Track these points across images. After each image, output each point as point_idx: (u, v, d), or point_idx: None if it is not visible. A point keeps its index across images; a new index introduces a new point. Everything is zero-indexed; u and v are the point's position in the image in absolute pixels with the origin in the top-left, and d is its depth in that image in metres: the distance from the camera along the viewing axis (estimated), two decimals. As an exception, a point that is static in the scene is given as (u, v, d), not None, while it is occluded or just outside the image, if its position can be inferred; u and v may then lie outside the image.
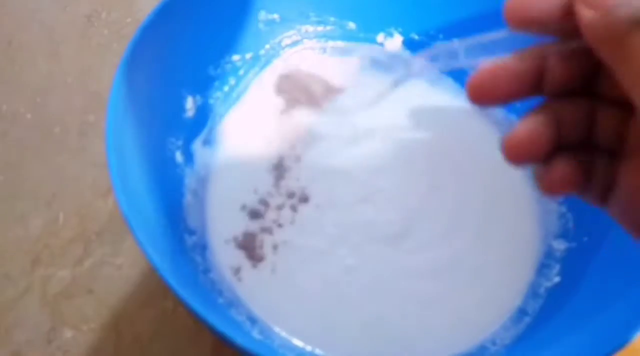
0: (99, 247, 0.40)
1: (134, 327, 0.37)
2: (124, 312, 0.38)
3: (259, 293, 0.35)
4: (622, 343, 0.28)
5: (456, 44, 0.27)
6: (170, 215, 0.34)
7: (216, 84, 0.40)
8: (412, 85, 0.45)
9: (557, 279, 0.36)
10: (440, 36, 0.44)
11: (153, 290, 0.38)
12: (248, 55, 0.42)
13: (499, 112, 0.43)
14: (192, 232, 0.35)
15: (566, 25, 0.20)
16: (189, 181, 0.37)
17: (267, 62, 0.43)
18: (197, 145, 0.39)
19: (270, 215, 0.38)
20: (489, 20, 0.41)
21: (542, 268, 0.37)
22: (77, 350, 0.36)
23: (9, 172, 0.43)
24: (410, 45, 0.45)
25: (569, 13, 0.19)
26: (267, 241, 0.37)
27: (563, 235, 0.38)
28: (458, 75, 0.45)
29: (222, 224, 0.37)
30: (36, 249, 0.40)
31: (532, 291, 0.36)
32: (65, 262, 0.39)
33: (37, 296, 0.38)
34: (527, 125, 0.22)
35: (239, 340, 0.25)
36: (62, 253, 0.40)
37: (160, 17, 0.34)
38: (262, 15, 0.41)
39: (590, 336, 0.30)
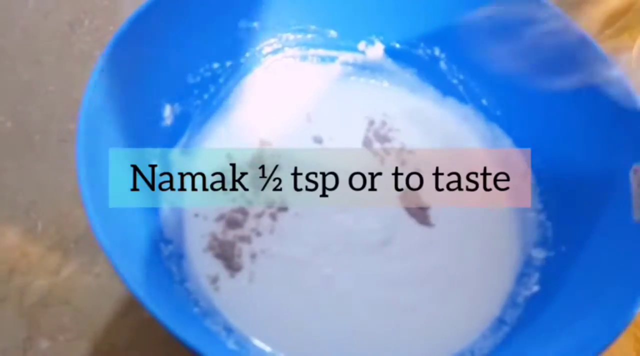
0: (77, 255, 0.40)
1: (111, 337, 0.37)
2: (101, 322, 0.37)
3: (236, 303, 0.35)
4: (598, 350, 0.28)
5: None
6: (147, 225, 0.34)
7: (195, 92, 0.40)
8: (391, 91, 0.45)
9: (536, 288, 0.36)
10: (422, 44, 0.44)
11: (131, 299, 0.38)
12: (228, 63, 0.42)
13: (479, 120, 0.44)
14: (168, 242, 0.35)
15: None
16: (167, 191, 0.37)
17: (248, 70, 0.43)
18: (175, 154, 0.38)
19: (250, 223, 0.38)
20: (469, 28, 0.42)
21: (521, 277, 0.37)
22: (53, 360, 0.36)
23: (-13, 180, 0.43)
24: (392, 53, 0.45)
25: None
26: (245, 250, 0.37)
27: (542, 244, 0.38)
28: (439, 83, 0.45)
29: (200, 233, 0.37)
30: (13, 257, 0.39)
31: (511, 301, 0.36)
32: (42, 271, 0.39)
33: (13, 305, 0.38)
34: None
35: (209, 351, 0.25)
36: (40, 262, 0.39)
37: (137, 25, 0.34)
38: (242, 23, 0.41)
39: (568, 345, 0.30)
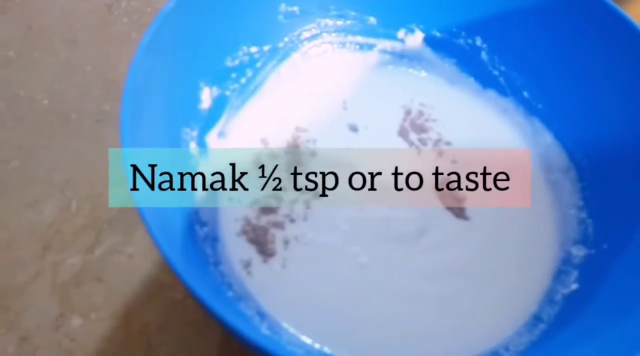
0: (110, 235, 0.40)
1: (143, 317, 0.37)
2: (133, 302, 0.37)
3: (269, 289, 0.34)
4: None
5: None
6: (183, 207, 0.34)
7: (233, 75, 0.40)
8: (429, 81, 0.44)
9: (574, 286, 0.35)
10: (463, 34, 0.43)
11: (163, 281, 0.38)
12: (266, 48, 0.41)
13: (519, 113, 0.43)
14: (203, 224, 0.35)
15: None
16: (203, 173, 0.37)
17: (286, 56, 0.43)
18: (212, 137, 0.38)
19: (283, 210, 0.37)
20: (514, 18, 0.41)
21: (559, 275, 0.36)
22: (85, 339, 0.36)
23: (24, 157, 0.43)
24: (432, 42, 0.44)
25: None
26: (278, 236, 0.36)
27: (582, 241, 0.37)
28: (479, 74, 0.44)
29: (234, 218, 0.37)
30: (48, 235, 0.40)
31: (549, 298, 0.35)
32: (76, 250, 0.39)
33: (47, 282, 0.38)
34: None
35: (247, 334, 0.24)
36: (74, 241, 0.40)
37: (179, 6, 0.33)
38: (283, 7, 0.41)
39: (607, 347, 0.30)
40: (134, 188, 0.27)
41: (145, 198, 0.27)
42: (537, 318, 0.35)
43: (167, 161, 0.33)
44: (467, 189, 0.39)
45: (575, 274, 0.36)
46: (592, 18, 0.38)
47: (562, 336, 0.33)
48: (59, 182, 0.42)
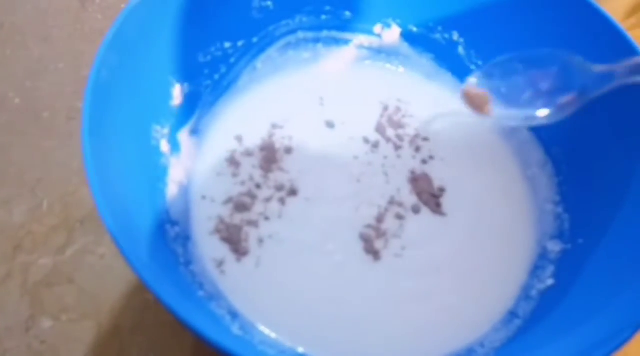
0: (82, 235, 0.39)
1: (115, 319, 0.36)
2: (105, 303, 0.37)
3: (242, 288, 0.34)
4: (614, 348, 0.27)
5: None
6: (153, 206, 0.33)
7: (206, 71, 0.39)
8: (407, 76, 0.44)
9: (550, 281, 0.35)
10: (439, 28, 0.43)
11: (135, 281, 0.38)
12: (240, 43, 0.41)
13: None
14: (174, 223, 0.34)
15: None
16: (174, 171, 0.36)
17: (260, 51, 0.42)
18: (183, 135, 0.38)
19: (257, 207, 0.37)
20: (490, 12, 0.41)
21: (535, 270, 0.36)
22: (55, 340, 0.36)
23: (-6, 156, 0.42)
24: (409, 37, 0.44)
25: None
26: (252, 234, 0.36)
27: (558, 236, 0.37)
28: (456, 69, 0.44)
29: (207, 216, 0.36)
30: (19, 235, 0.39)
31: (525, 294, 0.35)
32: (47, 250, 0.38)
33: (17, 283, 0.37)
34: None
35: (213, 335, 0.24)
36: (45, 241, 0.39)
37: (146, 0, 0.33)
38: (256, 2, 0.40)
39: (582, 340, 0.29)
40: (96, 189, 0.26)
41: (107, 198, 0.27)
42: (512, 314, 0.34)
43: (135, 159, 0.33)
44: (440, 189, 0.39)
45: (551, 269, 0.35)
46: (569, 12, 0.38)
47: (537, 332, 0.32)
48: (30, 181, 0.41)
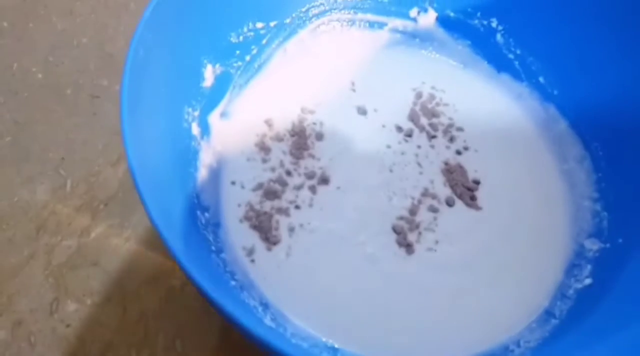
0: (106, 217, 0.38)
1: (140, 304, 0.36)
2: (130, 287, 0.36)
3: (273, 278, 0.33)
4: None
5: None
6: (184, 190, 0.32)
7: (237, 52, 0.38)
8: (441, 63, 0.43)
9: (588, 281, 0.34)
10: (478, 14, 0.41)
11: (160, 266, 0.37)
12: (272, 24, 0.39)
13: (534, 99, 0.41)
14: (205, 209, 0.33)
15: None
16: (204, 155, 0.35)
17: (292, 32, 0.41)
18: (214, 118, 0.37)
19: (288, 195, 0.36)
20: (532, 0, 0.39)
21: (572, 269, 0.35)
22: (80, 324, 0.35)
23: (17, 133, 0.41)
24: (445, 22, 0.42)
25: None
26: (283, 223, 0.35)
27: (596, 234, 0.36)
28: (493, 57, 0.42)
29: (237, 202, 0.35)
30: (42, 216, 0.38)
31: (561, 293, 0.34)
32: (71, 232, 0.38)
33: (41, 264, 0.37)
34: None
35: (251, 325, 0.23)
36: (69, 222, 0.38)
37: (182, -23, 0.31)
38: (291, -19, 0.39)
39: (621, 344, 0.28)
40: (135, 169, 0.25)
41: (146, 181, 0.26)
42: (548, 313, 0.33)
43: (168, 143, 0.32)
44: (475, 182, 0.38)
45: (588, 268, 0.34)
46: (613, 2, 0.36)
47: (575, 333, 0.32)
48: (54, 160, 0.40)
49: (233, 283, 0.31)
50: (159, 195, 0.27)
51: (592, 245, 0.35)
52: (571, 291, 0.34)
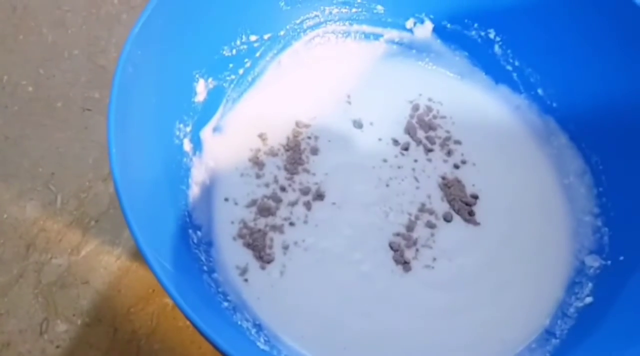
0: (97, 234, 0.38)
1: (131, 324, 0.35)
2: (121, 307, 0.35)
3: (267, 298, 0.32)
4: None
5: None
6: (175, 209, 0.31)
7: (231, 66, 0.37)
8: (438, 75, 0.42)
9: (589, 299, 0.33)
10: (475, 25, 0.40)
11: (152, 284, 0.36)
12: (266, 36, 0.39)
13: (532, 111, 0.40)
14: (197, 228, 0.33)
15: None
16: (196, 171, 0.34)
17: (287, 44, 0.40)
18: (206, 133, 0.36)
19: (282, 212, 0.35)
20: (530, 10, 0.38)
21: (572, 286, 0.34)
22: (70, 344, 0.34)
23: (7, 147, 0.41)
24: (442, 33, 0.41)
25: None
26: (277, 240, 0.34)
27: (597, 251, 0.35)
28: (491, 68, 0.42)
29: (230, 220, 0.34)
30: (32, 233, 0.38)
31: (561, 311, 0.33)
32: (61, 249, 0.37)
33: (30, 283, 0.36)
34: None
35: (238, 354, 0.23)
36: (59, 239, 0.37)
37: (173, -9, 0.31)
38: (285, -8, 0.38)
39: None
40: (119, 193, 0.25)
41: (132, 202, 0.25)
42: (549, 333, 0.33)
43: (159, 160, 0.31)
44: (473, 196, 0.37)
45: (589, 286, 0.34)
46: (615, 11, 0.35)
47: (576, 354, 0.31)
48: (44, 175, 0.40)
49: (225, 304, 0.30)
50: (147, 215, 0.27)
51: (593, 262, 0.35)
52: (572, 310, 0.33)
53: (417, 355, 0.32)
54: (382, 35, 0.42)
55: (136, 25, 0.28)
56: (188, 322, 0.35)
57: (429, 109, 0.40)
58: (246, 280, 0.33)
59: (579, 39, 0.37)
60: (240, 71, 0.38)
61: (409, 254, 0.34)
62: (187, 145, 0.34)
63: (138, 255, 0.37)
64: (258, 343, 0.29)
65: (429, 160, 0.38)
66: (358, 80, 0.41)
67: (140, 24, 0.29)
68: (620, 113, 0.36)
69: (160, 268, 0.25)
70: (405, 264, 0.34)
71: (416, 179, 0.37)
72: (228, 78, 0.37)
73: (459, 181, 0.38)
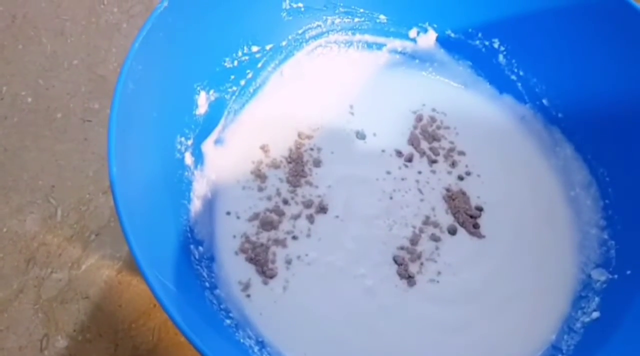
0: (97, 248, 0.37)
1: (132, 339, 0.35)
2: (122, 322, 0.35)
3: (269, 313, 0.32)
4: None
5: None
6: (176, 224, 0.31)
7: (232, 77, 0.37)
8: (442, 85, 0.42)
9: (595, 314, 0.33)
10: (479, 35, 0.40)
11: (153, 299, 0.35)
12: (268, 47, 0.38)
13: (538, 121, 0.40)
14: (199, 243, 0.32)
15: None
16: (198, 185, 0.34)
17: (289, 55, 0.40)
18: (208, 145, 0.35)
19: (285, 225, 0.35)
20: (535, 19, 0.38)
21: (579, 301, 0.34)
22: (71, 361, 0.34)
23: (6, 160, 0.40)
24: (446, 43, 0.41)
25: None
26: (280, 254, 0.34)
27: (604, 264, 0.35)
28: (495, 78, 0.41)
29: (232, 234, 0.34)
30: (32, 247, 0.37)
31: (568, 326, 0.33)
32: (61, 263, 0.37)
33: (30, 299, 0.36)
34: None
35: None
36: (59, 253, 0.37)
37: (173, 4, 0.30)
38: (286, 3, 0.37)
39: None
40: (119, 212, 0.24)
41: (132, 218, 0.25)
42: (555, 348, 0.32)
43: (160, 175, 0.31)
44: (478, 209, 0.37)
45: (596, 300, 0.33)
46: (621, 23, 0.35)
47: (583, 370, 0.31)
48: (44, 188, 0.39)
49: (228, 321, 0.30)
50: (147, 232, 0.26)
51: (600, 276, 0.34)
52: (578, 325, 0.33)
53: (422, 372, 0.31)
54: (385, 45, 0.42)
55: (136, 40, 0.28)
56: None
57: (432, 120, 0.40)
58: (249, 296, 0.32)
59: (585, 49, 0.37)
60: (242, 82, 0.38)
61: (413, 268, 0.34)
62: (189, 159, 0.34)
63: (138, 269, 0.37)
64: (261, 362, 0.29)
65: (433, 171, 0.38)
66: (361, 90, 0.41)
67: (140, 39, 0.28)
68: (627, 124, 0.36)
69: (161, 288, 0.24)
70: (409, 278, 0.34)
71: (420, 191, 0.37)
72: (230, 89, 0.37)
73: (463, 193, 0.37)
